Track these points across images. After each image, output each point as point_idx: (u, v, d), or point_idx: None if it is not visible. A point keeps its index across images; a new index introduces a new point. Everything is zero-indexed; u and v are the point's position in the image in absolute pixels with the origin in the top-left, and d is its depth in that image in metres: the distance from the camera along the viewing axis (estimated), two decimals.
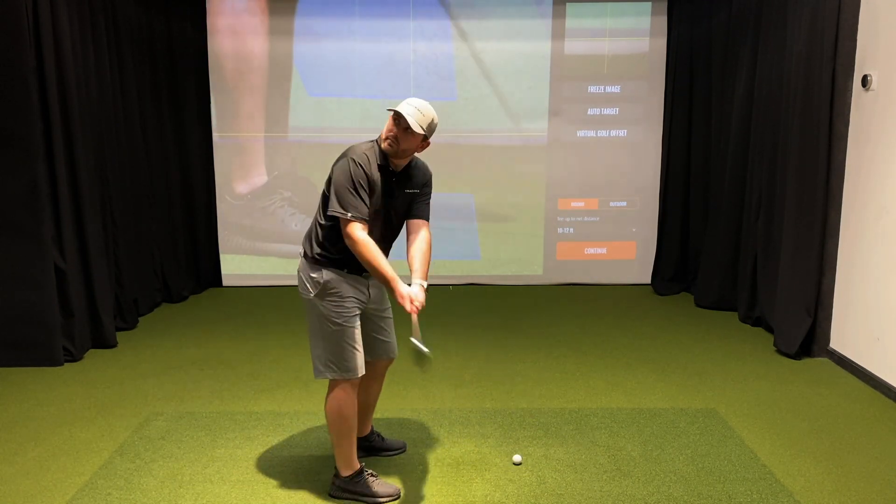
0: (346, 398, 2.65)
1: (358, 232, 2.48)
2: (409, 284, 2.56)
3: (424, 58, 6.21)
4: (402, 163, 2.65)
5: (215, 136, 6.26)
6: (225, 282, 6.44)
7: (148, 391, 3.86)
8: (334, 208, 2.50)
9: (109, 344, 4.59)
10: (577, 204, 6.46)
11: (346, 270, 2.62)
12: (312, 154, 6.30)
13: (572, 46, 6.22)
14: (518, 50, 6.22)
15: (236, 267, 6.43)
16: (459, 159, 6.32)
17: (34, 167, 4.12)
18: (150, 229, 5.57)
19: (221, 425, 3.40)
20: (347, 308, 2.62)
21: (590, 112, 6.32)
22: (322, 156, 6.28)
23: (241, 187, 6.35)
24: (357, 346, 2.64)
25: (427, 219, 2.76)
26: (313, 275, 2.62)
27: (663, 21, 6.19)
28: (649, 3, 6.17)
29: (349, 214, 2.47)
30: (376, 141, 2.63)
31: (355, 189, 2.49)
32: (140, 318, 5.27)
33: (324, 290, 2.60)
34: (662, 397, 3.78)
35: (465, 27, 6.18)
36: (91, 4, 4.67)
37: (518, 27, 6.19)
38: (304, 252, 2.70)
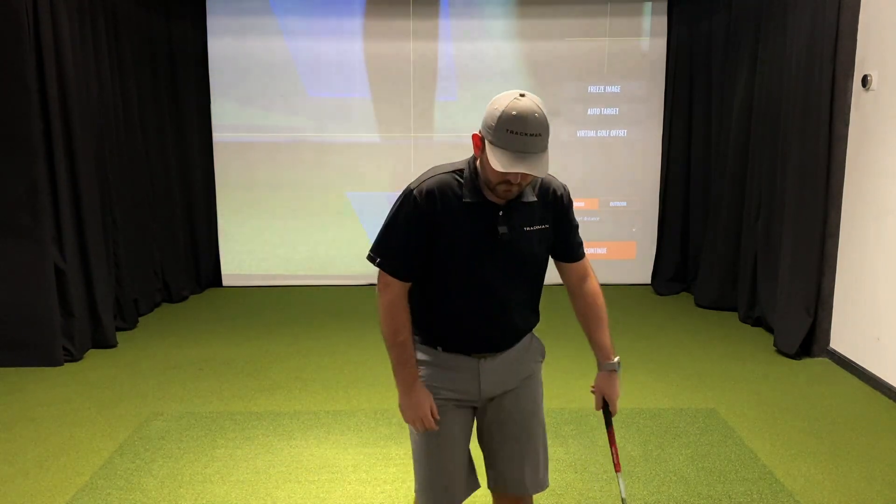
0: None
1: (385, 289, 1.79)
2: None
3: (425, 58, 6.20)
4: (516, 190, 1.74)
5: (215, 136, 6.26)
6: (225, 282, 6.43)
7: (148, 391, 3.86)
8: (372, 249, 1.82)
9: (109, 344, 4.59)
10: (578, 204, 6.38)
11: (439, 348, 1.85)
12: (312, 154, 6.30)
13: (572, 46, 6.22)
14: (517, 50, 6.21)
15: (236, 267, 6.43)
16: (460, 159, 6.31)
17: (34, 167, 4.12)
18: (150, 229, 5.57)
19: (221, 425, 3.40)
20: (438, 406, 1.83)
21: (590, 112, 6.32)
22: (322, 156, 6.29)
23: (241, 187, 6.34)
24: (446, 463, 1.85)
25: (581, 256, 1.99)
26: None
27: (663, 21, 6.18)
28: (649, 3, 6.17)
29: (377, 260, 1.79)
30: (469, 164, 1.85)
31: (396, 230, 1.78)
32: (140, 318, 5.26)
33: None
34: (662, 397, 3.78)
35: (465, 27, 6.18)
36: (91, 5, 4.67)
37: (518, 27, 6.18)
38: None
